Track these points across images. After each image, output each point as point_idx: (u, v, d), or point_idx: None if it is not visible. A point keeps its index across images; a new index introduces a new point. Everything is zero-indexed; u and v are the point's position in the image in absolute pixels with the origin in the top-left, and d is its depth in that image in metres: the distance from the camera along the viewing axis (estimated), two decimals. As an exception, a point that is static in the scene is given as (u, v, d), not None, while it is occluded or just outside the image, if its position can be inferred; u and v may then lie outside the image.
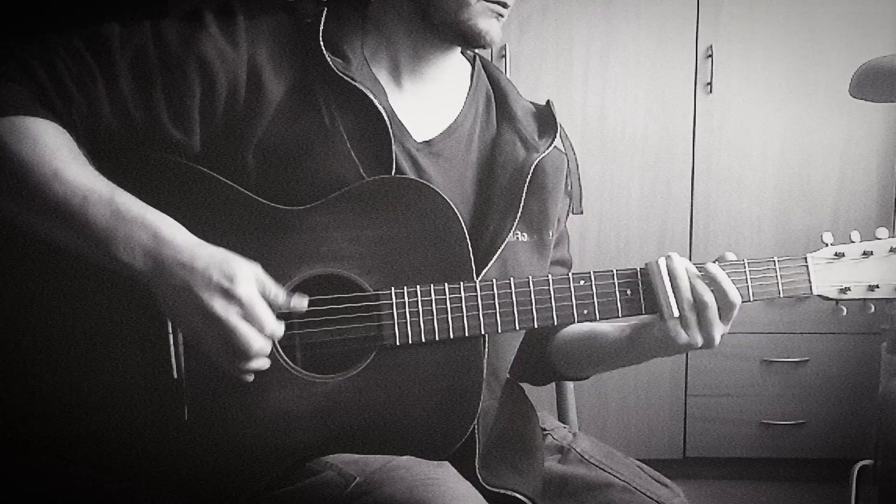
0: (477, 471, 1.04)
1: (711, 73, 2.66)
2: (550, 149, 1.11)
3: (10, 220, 0.91)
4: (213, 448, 0.97)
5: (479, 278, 1.01)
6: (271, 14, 1.02)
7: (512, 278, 1.01)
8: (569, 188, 1.18)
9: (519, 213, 1.06)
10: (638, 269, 1.04)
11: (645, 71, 2.69)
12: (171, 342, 0.95)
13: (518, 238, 1.08)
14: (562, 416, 1.40)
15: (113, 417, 0.96)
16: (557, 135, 1.13)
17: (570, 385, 1.41)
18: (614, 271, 1.03)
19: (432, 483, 0.89)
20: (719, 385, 2.76)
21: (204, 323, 0.89)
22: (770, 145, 2.70)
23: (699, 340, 1.02)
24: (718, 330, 1.03)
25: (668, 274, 1.02)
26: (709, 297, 1.01)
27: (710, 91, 2.67)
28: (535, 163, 1.08)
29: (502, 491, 1.04)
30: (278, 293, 0.93)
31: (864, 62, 1.82)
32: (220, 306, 0.89)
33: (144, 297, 0.94)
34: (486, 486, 1.03)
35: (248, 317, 0.90)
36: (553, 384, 1.41)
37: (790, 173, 2.70)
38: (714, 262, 1.05)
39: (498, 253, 1.04)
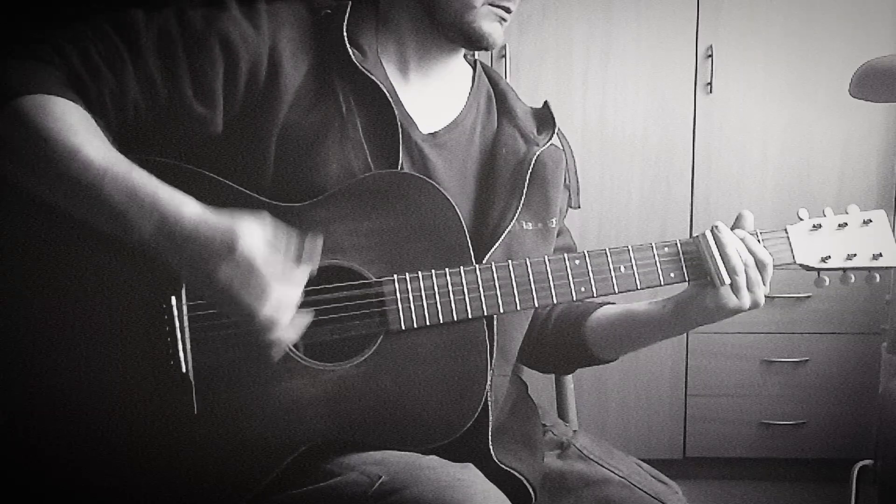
0: (490, 444, 1.06)
1: (711, 73, 2.66)
2: (549, 144, 1.15)
3: (32, 193, 0.92)
4: (225, 440, 0.97)
5: (483, 263, 1.04)
6: (290, 2, 1.06)
7: (510, 260, 1.04)
8: (567, 182, 1.21)
9: (522, 202, 1.10)
10: (629, 248, 1.07)
11: (645, 71, 2.69)
12: (179, 337, 0.96)
13: (523, 226, 1.11)
14: (562, 416, 1.41)
15: (122, 414, 0.96)
16: (555, 132, 1.16)
17: (570, 385, 1.41)
18: (607, 249, 1.07)
19: (459, 485, 0.89)
20: (719, 385, 2.76)
21: (217, 296, 0.89)
22: (770, 145, 2.70)
23: (747, 302, 1.07)
24: (762, 290, 1.08)
25: (717, 244, 1.06)
26: (750, 259, 1.06)
27: (710, 91, 2.67)
28: (537, 155, 1.12)
29: (510, 470, 1.06)
30: (290, 240, 0.92)
31: (864, 62, 1.82)
32: (224, 277, 0.88)
33: (151, 292, 0.95)
34: (498, 462, 1.05)
35: (249, 284, 0.88)
36: (553, 384, 1.41)
37: (790, 173, 2.70)
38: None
39: (501, 239, 1.07)
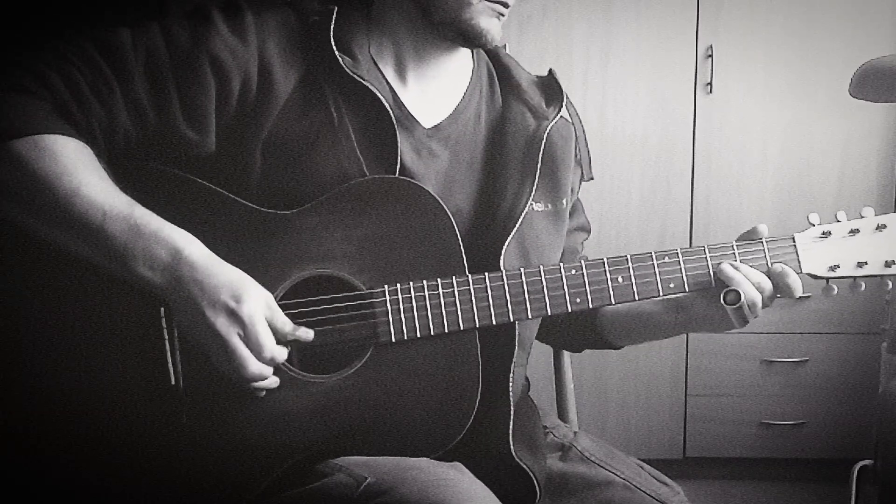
0: (510, 437, 1.05)
1: (711, 73, 2.66)
2: (558, 117, 1.12)
3: (34, 235, 0.93)
4: (214, 451, 0.97)
5: (503, 249, 1.03)
6: (277, 10, 1.04)
7: (505, 271, 1.02)
8: (578, 156, 1.19)
9: (536, 181, 1.07)
10: (628, 257, 1.05)
11: (645, 71, 2.69)
12: (168, 348, 0.96)
13: (534, 207, 1.10)
14: (562, 416, 1.41)
15: (112, 423, 0.96)
16: (563, 103, 1.14)
17: (570, 385, 1.41)
18: (605, 259, 1.05)
19: (445, 484, 0.89)
20: (719, 385, 2.76)
21: (209, 339, 0.92)
22: (770, 145, 2.70)
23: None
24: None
25: (749, 309, 1.03)
26: (767, 289, 1.04)
27: (710, 91, 2.67)
28: (548, 130, 1.09)
29: (525, 466, 1.05)
30: (286, 322, 0.95)
31: (864, 62, 1.82)
32: (223, 325, 0.91)
33: (141, 304, 0.95)
34: (518, 460, 1.04)
35: (248, 339, 0.92)
36: (552, 385, 1.41)
37: (790, 173, 2.70)
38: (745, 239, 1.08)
39: (519, 222, 1.05)
